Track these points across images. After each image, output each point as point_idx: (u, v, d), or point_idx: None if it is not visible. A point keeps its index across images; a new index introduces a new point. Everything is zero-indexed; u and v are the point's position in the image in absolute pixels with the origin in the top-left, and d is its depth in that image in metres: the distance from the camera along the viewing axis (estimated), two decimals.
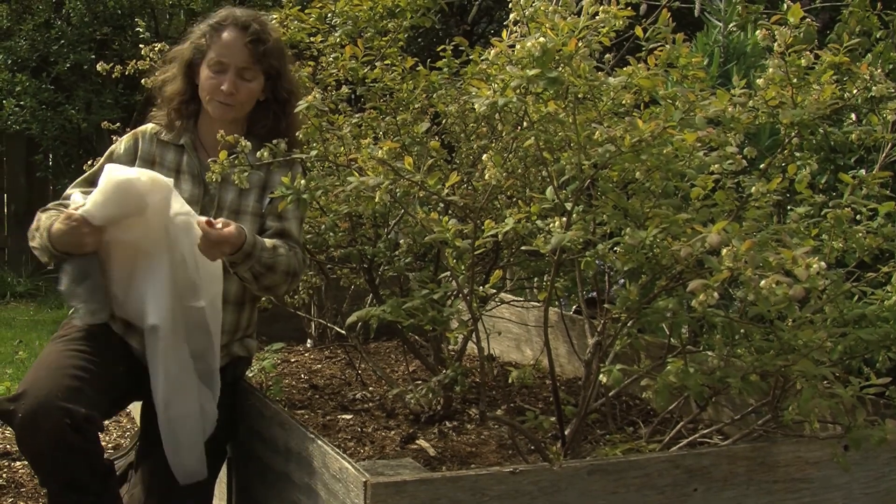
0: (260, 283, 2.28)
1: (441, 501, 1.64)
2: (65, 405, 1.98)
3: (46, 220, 2.20)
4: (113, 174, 2.09)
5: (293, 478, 2.03)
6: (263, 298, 2.88)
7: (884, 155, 2.36)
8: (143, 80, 2.63)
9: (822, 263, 1.43)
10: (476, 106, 1.78)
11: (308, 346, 3.80)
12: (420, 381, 3.00)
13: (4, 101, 6.16)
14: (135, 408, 2.86)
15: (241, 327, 2.44)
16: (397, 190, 1.86)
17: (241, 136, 2.09)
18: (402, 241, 2.79)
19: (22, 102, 6.16)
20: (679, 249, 1.55)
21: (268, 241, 2.28)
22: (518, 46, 1.76)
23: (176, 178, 2.34)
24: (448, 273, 2.09)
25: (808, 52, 1.90)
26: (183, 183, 2.35)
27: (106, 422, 3.29)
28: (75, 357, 2.15)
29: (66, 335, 2.26)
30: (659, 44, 2.05)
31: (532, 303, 3.52)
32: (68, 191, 2.36)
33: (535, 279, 3.50)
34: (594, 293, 2.44)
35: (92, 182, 2.35)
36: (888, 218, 2.06)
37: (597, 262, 2.04)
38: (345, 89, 2.74)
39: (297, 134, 2.43)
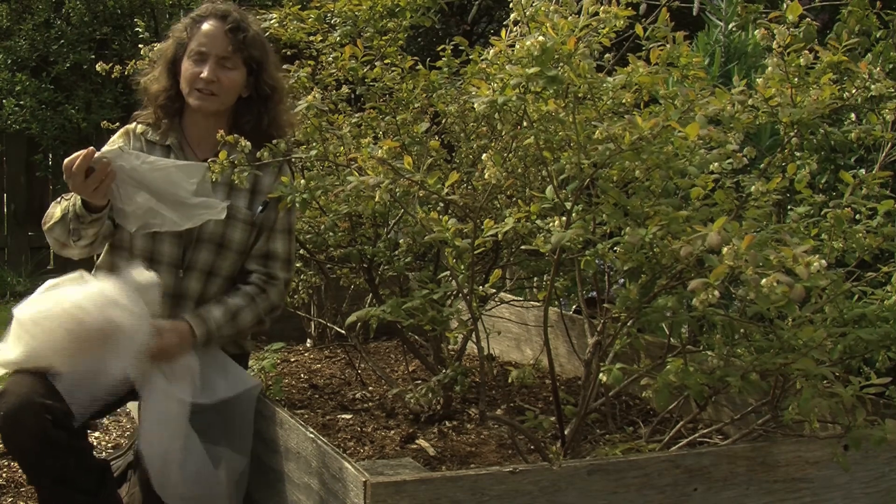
0: (236, 339, 2.37)
1: (441, 501, 1.64)
2: (45, 401, 2.01)
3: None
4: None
5: (293, 477, 2.03)
6: None
7: (884, 154, 2.36)
8: (133, 84, 2.61)
9: (823, 261, 1.43)
10: (476, 105, 1.78)
11: (308, 345, 3.80)
12: (420, 381, 3.00)
13: (4, 101, 6.15)
14: (134, 407, 2.85)
15: None
16: (397, 189, 1.86)
17: (239, 135, 2.09)
18: (401, 241, 2.79)
19: (22, 102, 6.16)
20: (679, 248, 1.55)
21: (221, 311, 2.29)
22: (518, 45, 1.76)
23: None
24: (448, 273, 2.09)
25: (807, 52, 1.90)
26: None
27: (105, 421, 3.30)
28: None
29: None
30: (659, 43, 2.05)
31: (532, 302, 3.52)
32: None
33: (535, 279, 3.50)
34: (594, 293, 2.44)
35: None
36: (888, 217, 2.06)
37: (597, 261, 2.04)
38: (344, 89, 2.74)
39: (285, 131, 2.44)
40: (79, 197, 2.16)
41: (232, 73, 2.34)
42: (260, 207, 2.37)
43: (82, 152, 2.10)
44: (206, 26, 2.35)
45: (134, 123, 2.45)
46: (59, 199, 2.31)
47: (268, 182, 2.37)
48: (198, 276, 2.33)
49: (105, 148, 2.33)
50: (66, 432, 2.03)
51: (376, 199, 1.80)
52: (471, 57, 2.59)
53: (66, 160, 2.11)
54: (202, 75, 2.30)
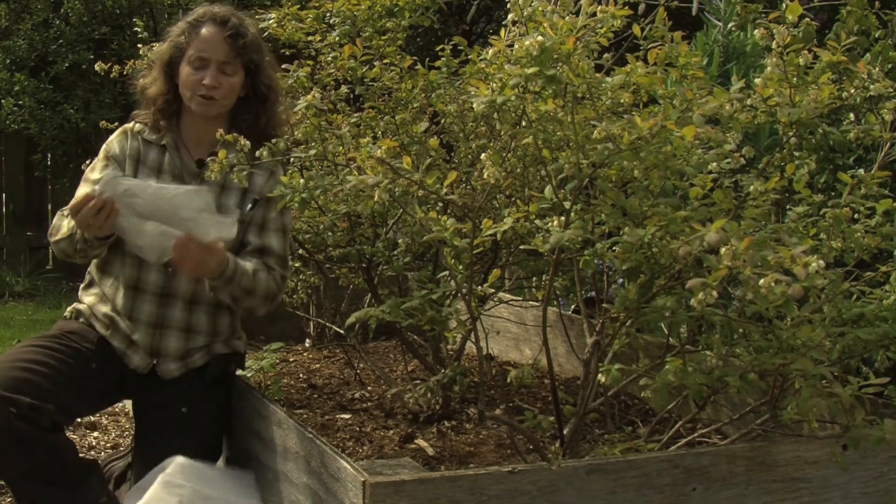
0: (239, 305, 2.34)
1: (440, 501, 1.64)
2: (7, 394, 2.03)
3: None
4: None
5: (291, 477, 2.03)
6: None
7: (882, 154, 2.36)
8: (131, 87, 2.60)
9: (821, 262, 1.43)
10: (474, 105, 1.77)
11: (307, 345, 3.80)
12: (419, 381, 3.00)
13: (3, 101, 6.15)
14: (132, 406, 2.85)
15: (221, 331, 2.44)
16: (396, 189, 1.86)
17: (239, 135, 2.09)
18: (400, 241, 2.78)
19: (20, 102, 6.16)
20: (678, 248, 1.55)
21: (248, 265, 2.29)
22: (516, 45, 1.76)
23: (157, 178, 2.35)
24: (447, 272, 2.08)
25: (805, 52, 1.90)
26: (164, 183, 2.36)
27: (104, 421, 3.29)
28: (32, 352, 2.20)
29: (44, 334, 2.31)
30: (657, 43, 2.05)
31: (531, 302, 3.52)
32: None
33: (534, 278, 3.49)
34: (593, 292, 2.44)
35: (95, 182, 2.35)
36: (886, 217, 2.06)
37: (595, 261, 2.04)
38: (343, 89, 2.74)
39: (283, 130, 2.44)
40: None
41: (232, 78, 2.36)
42: (249, 205, 2.37)
43: (89, 202, 2.11)
44: (204, 32, 2.35)
45: (132, 122, 2.46)
46: (65, 211, 2.31)
47: (259, 182, 2.38)
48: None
49: (106, 147, 2.34)
50: (33, 426, 2.04)
51: (375, 198, 1.80)
52: (469, 57, 2.59)
53: (72, 205, 2.13)
54: (204, 82, 2.31)
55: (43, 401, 2.07)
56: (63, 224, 2.28)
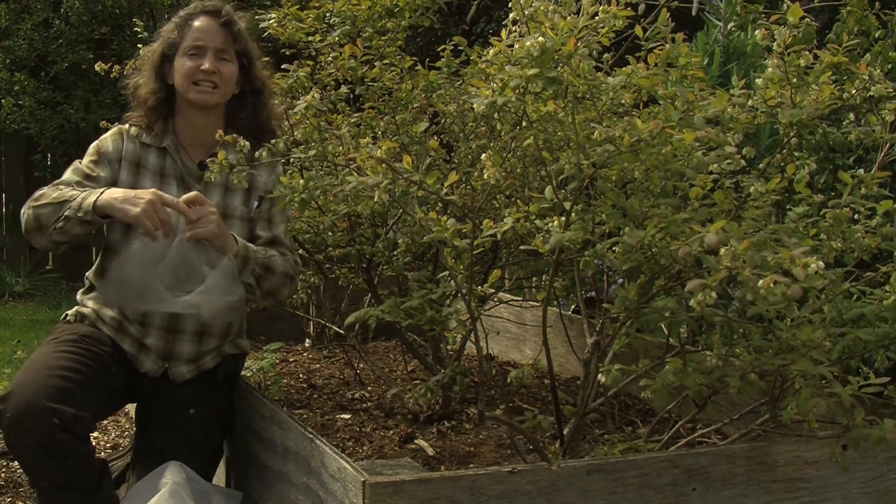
0: (262, 288, 2.29)
1: (440, 501, 1.64)
2: (52, 405, 1.99)
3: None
4: None
5: (291, 477, 2.03)
6: None
7: (882, 154, 2.36)
8: (121, 88, 2.57)
9: (821, 263, 1.43)
10: (475, 105, 1.77)
11: (306, 345, 3.80)
12: (419, 381, 3.00)
13: (3, 101, 6.16)
14: (132, 408, 2.85)
15: (233, 331, 2.45)
16: (396, 189, 1.86)
17: (235, 133, 2.08)
18: (400, 241, 2.78)
19: (20, 102, 6.16)
20: (678, 249, 1.55)
21: (262, 251, 2.30)
22: (517, 46, 1.76)
23: (160, 182, 2.34)
24: (447, 273, 2.09)
25: (806, 53, 1.90)
26: (167, 186, 2.34)
27: (104, 422, 3.30)
28: (63, 358, 2.15)
29: (57, 337, 2.27)
30: (658, 44, 2.05)
31: (531, 302, 3.52)
32: (65, 180, 2.33)
33: (534, 279, 3.50)
34: (593, 293, 2.44)
35: (88, 177, 2.33)
36: (886, 217, 2.06)
37: (595, 261, 2.04)
38: (343, 89, 2.74)
39: (280, 125, 2.45)
40: (91, 199, 2.14)
41: (230, 65, 2.36)
42: (256, 203, 2.38)
43: (199, 198, 2.13)
44: (198, 22, 2.36)
45: (126, 125, 2.43)
46: (58, 184, 2.29)
47: (262, 179, 2.38)
48: None
49: (98, 144, 2.32)
50: (72, 435, 2.02)
51: (375, 199, 1.80)
52: (470, 57, 2.59)
53: (187, 198, 2.14)
54: (203, 67, 2.31)
55: (82, 410, 2.05)
56: (54, 194, 2.25)
